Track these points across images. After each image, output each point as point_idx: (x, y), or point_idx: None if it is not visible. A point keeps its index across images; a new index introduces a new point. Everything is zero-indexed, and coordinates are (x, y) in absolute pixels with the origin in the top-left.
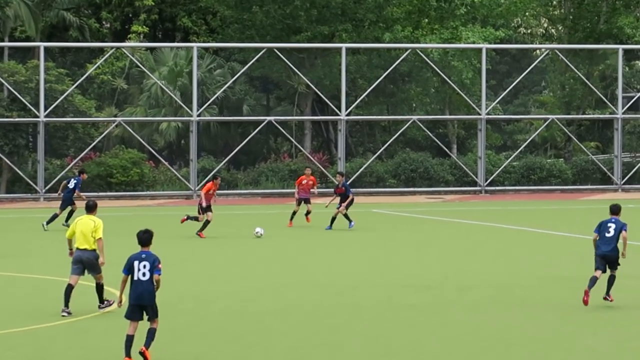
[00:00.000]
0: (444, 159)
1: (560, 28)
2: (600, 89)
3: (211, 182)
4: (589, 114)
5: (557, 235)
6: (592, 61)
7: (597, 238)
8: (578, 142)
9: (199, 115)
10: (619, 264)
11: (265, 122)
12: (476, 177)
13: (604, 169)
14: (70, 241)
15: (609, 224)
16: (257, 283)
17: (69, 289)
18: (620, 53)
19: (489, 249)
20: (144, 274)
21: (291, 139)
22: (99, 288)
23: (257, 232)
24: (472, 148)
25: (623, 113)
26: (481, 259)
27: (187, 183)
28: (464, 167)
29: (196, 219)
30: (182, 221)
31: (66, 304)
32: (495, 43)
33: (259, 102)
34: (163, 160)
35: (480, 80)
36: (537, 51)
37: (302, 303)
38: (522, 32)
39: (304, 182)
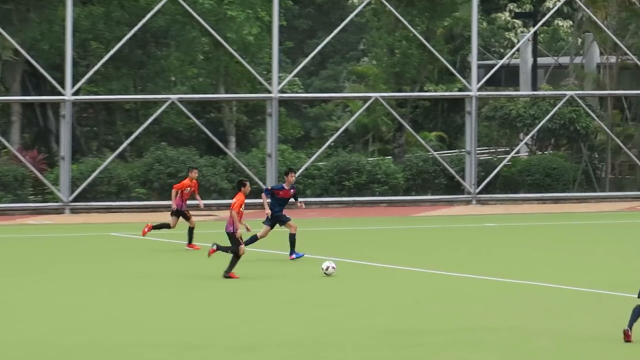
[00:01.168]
0: (216, 157)
1: None
2: (445, 55)
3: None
4: (429, 91)
5: (383, 268)
6: (434, 13)
7: None
8: (413, 131)
9: None
10: None
11: None
12: (264, 183)
13: (452, 171)
14: None
15: None
16: None
17: None
18: (475, 2)
19: (283, 290)
20: None
21: None
22: None
23: (327, 269)
24: (258, 142)
25: (479, 89)
26: (271, 308)
27: None
28: (245, 169)
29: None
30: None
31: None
32: None
33: None
34: None
35: (270, 41)
36: None
37: None
38: None
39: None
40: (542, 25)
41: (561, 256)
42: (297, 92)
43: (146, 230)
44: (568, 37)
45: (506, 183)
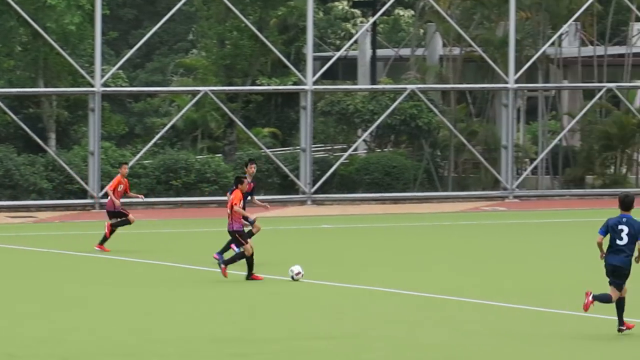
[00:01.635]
0: (35, 155)
1: None
2: (279, 46)
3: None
4: (261, 85)
5: (214, 272)
6: (268, 2)
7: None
8: (245, 127)
9: None
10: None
11: None
12: (86, 183)
13: (286, 169)
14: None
15: (620, 226)
16: None
17: None
18: None
19: (113, 297)
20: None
21: None
22: None
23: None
24: (80, 139)
25: (315, 83)
26: (100, 315)
27: None
28: (67, 167)
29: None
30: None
31: None
32: None
33: None
34: None
35: (93, 31)
36: None
37: None
38: None
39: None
40: (381, 15)
41: (399, 259)
42: (121, 86)
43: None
44: (409, 28)
45: (343, 182)
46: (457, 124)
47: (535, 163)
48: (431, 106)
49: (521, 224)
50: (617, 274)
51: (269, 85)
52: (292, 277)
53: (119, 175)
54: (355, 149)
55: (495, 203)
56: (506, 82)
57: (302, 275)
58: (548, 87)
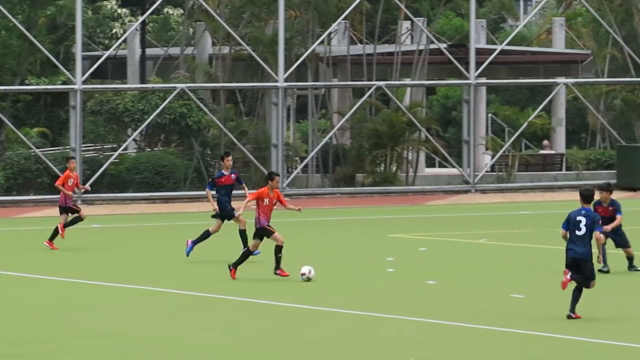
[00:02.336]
0: None
1: None
2: (48, 46)
3: None
4: (30, 84)
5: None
6: (36, 1)
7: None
8: (14, 127)
9: None
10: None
11: None
12: None
13: (55, 169)
14: None
15: (579, 217)
16: None
17: None
18: None
19: None
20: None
21: None
22: None
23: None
24: None
25: (85, 82)
26: None
27: None
28: None
29: None
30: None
31: None
32: None
33: None
34: None
35: None
36: None
37: None
38: None
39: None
40: (151, 14)
41: (168, 258)
42: None
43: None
44: (179, 27)
45: (114, 182)
46: (227, 122)
47: (305, 161)
48: (201, 105)
49: (290, 222)
50: (579, 267)
51: (38, 84)
52: (308, 278)
53: (67, 170)
54: (126, 149)
55: None
56: (276, 81)
57: (311, 274)
58: (317, 86)
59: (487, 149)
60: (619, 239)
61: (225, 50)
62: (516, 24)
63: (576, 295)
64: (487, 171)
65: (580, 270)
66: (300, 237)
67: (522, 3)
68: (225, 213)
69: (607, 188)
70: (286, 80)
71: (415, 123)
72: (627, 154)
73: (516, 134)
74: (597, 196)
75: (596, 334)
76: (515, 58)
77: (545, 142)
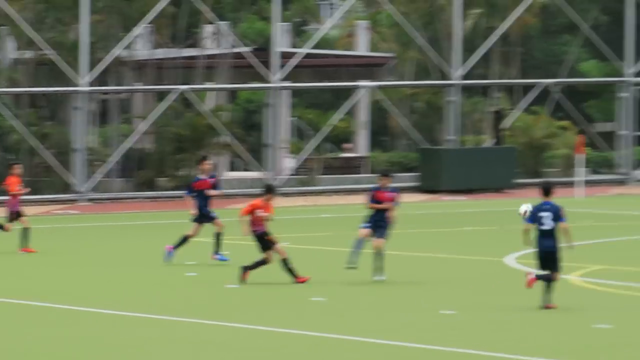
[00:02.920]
0: None
1: None
2: None
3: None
4: None
5: None
6: None
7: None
8: None
9: None
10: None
11: None
12: None
13: None
14: None
15: (541, 213)
16: None
17: None
18: None
19: None
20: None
21: None
22: None
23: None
24: None
25: None
26: None
27: None
28: None
29: None
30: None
31: None
32: None
33: None
34: None
35: None
36: None
37: None
38: None
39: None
40: None
41: None
42: None
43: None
44: None
45: None
46: (30, 127)
47: (108, 166)
48: (3, 110)
49: (94, 227)
50: (549, 259)
51: None
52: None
53: (13, 176)
54: None
55: (67, 206)
56: (78, 85)
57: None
58: (120, 90)
59: (290, 152)
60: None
61: (29, 54)
62: (320, 26)
63: (547, 286)
64: (290, 175)
65: (549, 263)
66: (105, 242)
67: (328, 6)
68: (202, 216)
69: (385, 173)
70: (90, 84)
71: (218, 127)
72: (429, 157)
73: (318, 138)
74: (378, 182)
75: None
76: (319, 61)
77: (347, 144)
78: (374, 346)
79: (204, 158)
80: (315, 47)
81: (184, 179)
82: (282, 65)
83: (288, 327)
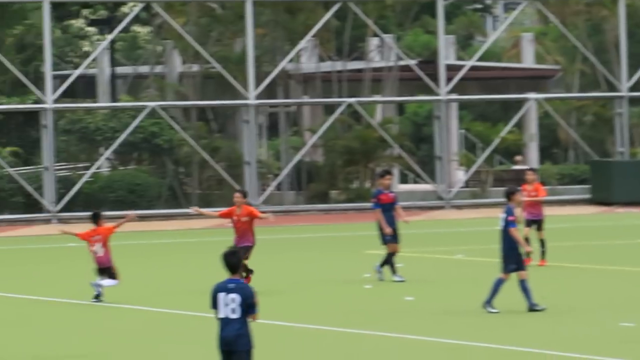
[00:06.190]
0: None
1: None
2: (18, 65)
3: None
4: (1, 104)
5: None
6: (4, 21)
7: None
8: None
9: None
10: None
11: None
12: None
13: (29, 188)
14: None
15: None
16: None
17: None
18: (47, 8)
19: None
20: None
21: None
22: None
23: None
24: None
25: (55, 101)
26: None
27: None
28: None
29: None
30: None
31: None
32: None
33: None
34: None
35: None
36: None
37: None
38: None
39: None
40: (119, 32)
41: (151, 276)
42: None
43: None
44: (148, 45)
45: (88, 200)
46: (200, 140)
47: (279, 179)
48: (172, 123)
49: (266, 240)
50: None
51: (8, 104)
52: None
53: None
54: (99, 167)
55: None
56: (246, 99)
57: None
58: (288, 103)
59: (460, 165)
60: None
61: (195, 68)
62: (485, 39)
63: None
64: (461, 187)
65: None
66: (276, 255)
67: (491, 19)
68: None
69: (383, 174)
70: (257, 97)
71: (388, 139)
72: (601, 169)
73: (488, 150)
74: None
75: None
76: (485, 74)
77: (518, 157)
78: (554, 358)
79: (387, 172)
80: (481, 59)
81: (355, 192)
82: (449, 78)
83: (465, 339)
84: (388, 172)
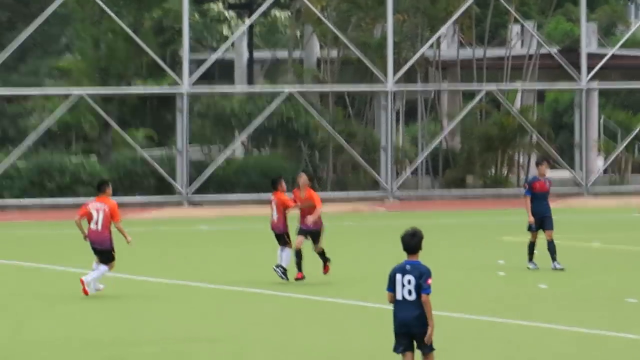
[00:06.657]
0: None
1: None
2: (155, 49)
3: None
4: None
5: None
6: (142, 4)
7: None
8: (120, 130)
9: None
10: None
11: None
12: None
13: (162, 171)
14: None
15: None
16: None
17: None
18: None
19: None
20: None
21: None
22: None
23: None
24: None
25: (192, 85)
26: None
27: None
28: None
29: None
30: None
31: None
32: None
33: None
34: None
35: None
36: None
37: None
38: None
39: None
40: (258, 17)
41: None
42: None
43: None
44: (286, 30)
45: (221, 184)
46: (336, 125)
47: (415, 164)
48: (309, 108)
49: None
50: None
51: (144, 87)
52: None
53: None
54: (233, 151)
55: (375, 204)
56: (384, 84)
57: None
58: (427, 89)
59: (599, 151)
60: None
61: (333, 53)
62: (627, 28)
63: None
64: (599, 174)
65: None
66: None
67: (633, 7)
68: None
69: (541, 161)
70: (395, 83)
71: (526, 126)
72: None
73: (629, 137)
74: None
75: None
76: (626, 62)
77: None
78: None
79: (545, 160)
80: (622, 47)
81: (492, 179)
82: (590, 67)
83: (599, 329)
84: (546, 160)
